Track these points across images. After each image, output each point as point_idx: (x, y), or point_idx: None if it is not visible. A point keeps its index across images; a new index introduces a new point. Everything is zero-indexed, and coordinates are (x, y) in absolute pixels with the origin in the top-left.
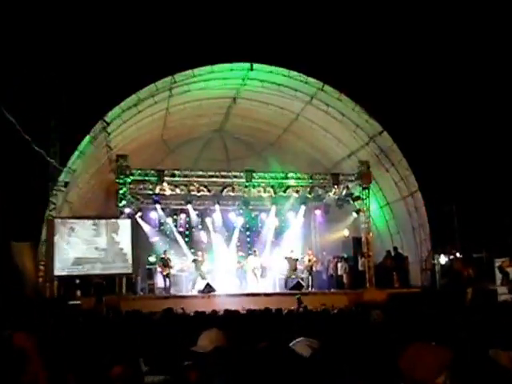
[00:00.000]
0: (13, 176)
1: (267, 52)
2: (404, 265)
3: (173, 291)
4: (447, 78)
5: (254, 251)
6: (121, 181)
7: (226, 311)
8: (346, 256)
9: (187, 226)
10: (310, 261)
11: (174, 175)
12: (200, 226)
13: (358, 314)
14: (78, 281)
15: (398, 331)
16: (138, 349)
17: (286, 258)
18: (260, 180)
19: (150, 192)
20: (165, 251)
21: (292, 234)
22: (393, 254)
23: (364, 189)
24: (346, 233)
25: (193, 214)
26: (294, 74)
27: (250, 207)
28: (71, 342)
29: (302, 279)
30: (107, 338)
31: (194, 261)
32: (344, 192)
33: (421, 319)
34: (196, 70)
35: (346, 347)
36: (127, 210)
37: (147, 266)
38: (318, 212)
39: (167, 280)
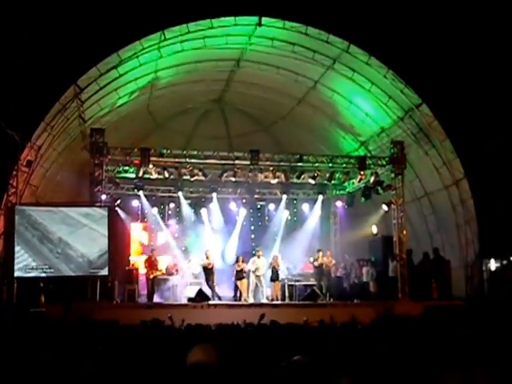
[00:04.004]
0: None
1: (279, 3)
2: (445, 271)
3: (157, 299)
4: (502, 38)
5: (258, 251)
6: (96, 161)
7: (223, 325)
8: (373, 259)
9: (177, 218)
10: (327, 264)
11: (161, 155)
12: (193, 219)
13: (385, 330)
14: (41, 284)
15: (436, 353)
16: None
17: (312, 262)
18: (268, 162)
19: (132, 175)
20: (152, 250)
21: (306, 230)
22: (432, 257)
23: (397, 175)
24: (373, 230)
25: (184, 204)
26: (312, 31)
27: (256, 196)
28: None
29: (318, 287)
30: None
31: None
32: (372, 179)
33: (464, 338)
34: (191, 25)
35: (368, 371)
36: (103, 197)
37: (127, 268)
38: (339, 204)
39: (152, 285)
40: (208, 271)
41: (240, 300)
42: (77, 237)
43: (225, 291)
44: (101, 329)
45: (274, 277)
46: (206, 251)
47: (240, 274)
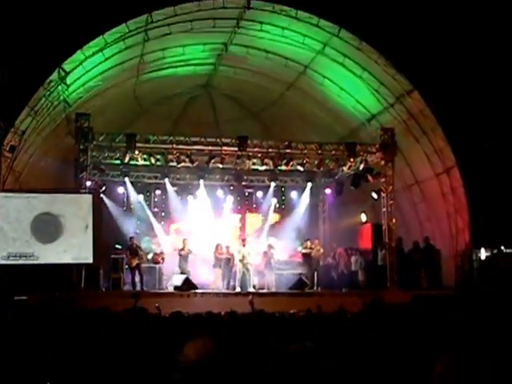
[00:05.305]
0: None
1: None
2: (436, 260)
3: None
4: (496, 25)
5: (243, 240)
6: (81, 146)
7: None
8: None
9: (163, 205)
10: (316, 253)
11: (148, 141)
12: (179, 206)
13: (372, 319)
14: (25, 272)
15: (423, 341)
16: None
17: (302, 252)
18: (256, 149)
19: (118, 162)
20: (131, 238)
21: (295, 218)
22: (422, 246)
23: (387, 163)
24: (362, 218)
25: (171, 191)
26: (302, 14)
27: (243, 183)
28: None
29: (306, 276)
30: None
31: (179, 251)
32: (361, 167)
33: (451, 326)
34: (178, 8)
35: (355, 358)
36: (88, 184)
37: (112, 256)
38: (328, 191)
39: (136, 273)
40: (182, 258)
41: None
42: (62, 224)
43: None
44: (88, 317)
45: (268, 265)
46: (183, 239)
47: (218, 262)
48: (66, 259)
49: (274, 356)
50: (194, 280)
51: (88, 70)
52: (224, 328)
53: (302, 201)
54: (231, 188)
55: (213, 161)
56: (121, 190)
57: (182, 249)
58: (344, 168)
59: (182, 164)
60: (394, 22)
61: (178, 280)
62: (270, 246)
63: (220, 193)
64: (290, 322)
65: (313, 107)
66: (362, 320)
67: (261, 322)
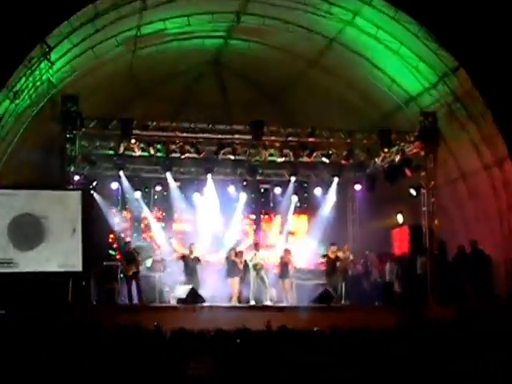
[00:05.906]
0: None
1: None
2: (485, 267)
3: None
4: None
5: (256, 244)
6: (68, 134)
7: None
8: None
9: (165, 203)
10: (343, 260)
11: (146, 127)
12: (184, 204)
13: (405, 336)
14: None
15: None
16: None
17: (324, 256)
18: (274, 137)
19: (111, 152)
20: (127, 242)
21: (319, 219)
22: (468, 251)
23: (428, 153)
24: (399, 219)
25: (173, 187)
26: None
27: (259, 177)
28: None
29: (332, 287)
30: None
31: (185, 258)
32: (398, 158)
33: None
34: None
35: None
36: (76, 178)
37: (105, 263)
38: (358, 187)
39: (133, 284)
40: (189, 266)
41: (230, 301)
42: (45, 227)
43: (219, 290)
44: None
45: (285, 274)
46: (190, 244)
47: (232, 270)
48: (51, 267)
49: (286, 367)
50: (205, 293)
51: (75, 44)
52: (234, 344)
53: (327, 199)
54: (244, 183)
55: (223, 151)
56: (114, 185)
57: (189, 256)
58: (377, 160)
59: (187, 155)
60: None
61: (182, 291)
62: (288, 252)
63: (231, 189)
64: (309, 338)
65: (340, 88)
66: (396, 337)
67: (278, 337)
